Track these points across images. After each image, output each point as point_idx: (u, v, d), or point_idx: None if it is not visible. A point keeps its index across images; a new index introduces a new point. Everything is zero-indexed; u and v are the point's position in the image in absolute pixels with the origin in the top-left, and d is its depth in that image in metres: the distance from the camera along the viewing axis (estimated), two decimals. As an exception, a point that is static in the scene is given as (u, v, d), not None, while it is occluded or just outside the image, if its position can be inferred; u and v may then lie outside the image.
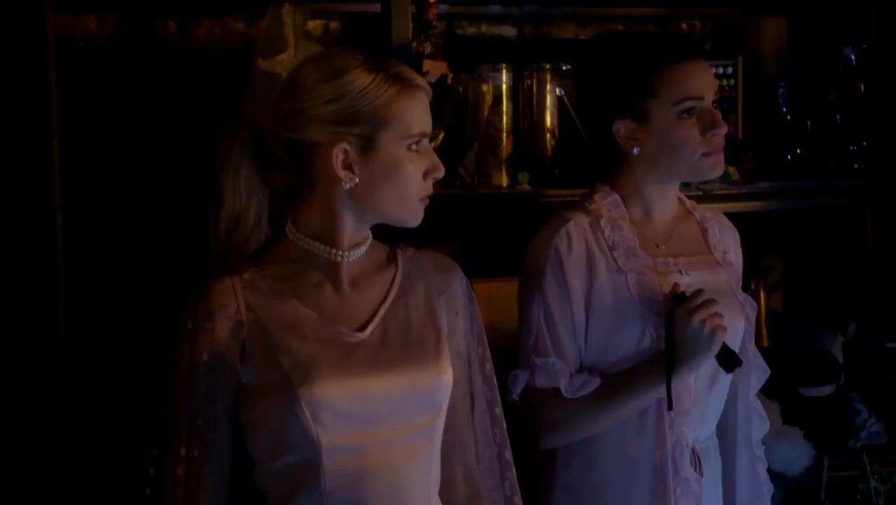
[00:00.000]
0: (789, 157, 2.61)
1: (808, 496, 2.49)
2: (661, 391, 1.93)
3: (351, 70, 1.66)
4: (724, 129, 2.00)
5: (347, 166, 1.67)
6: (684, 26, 2.91)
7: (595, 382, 1.97)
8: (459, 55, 2.59)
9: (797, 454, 2.46)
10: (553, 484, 2.05)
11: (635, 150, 2.01)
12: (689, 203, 2.15)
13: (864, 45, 2.61)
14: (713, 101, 2.01)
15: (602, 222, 2.02)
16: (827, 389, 2.58)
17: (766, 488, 2.16)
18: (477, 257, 2.67)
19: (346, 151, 1.66)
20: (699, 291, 1.93)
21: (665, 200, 2.08)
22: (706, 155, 1.99)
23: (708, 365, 2.01)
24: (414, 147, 1.68)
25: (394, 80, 1.67)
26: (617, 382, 1.96)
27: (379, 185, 1.67)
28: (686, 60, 1.98)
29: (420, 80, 1.70)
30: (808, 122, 2.63)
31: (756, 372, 2.13)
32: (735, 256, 2.15)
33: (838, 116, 2.63)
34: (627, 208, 2.04)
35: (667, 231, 2.07)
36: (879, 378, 2.65)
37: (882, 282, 2.97)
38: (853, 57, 2.61)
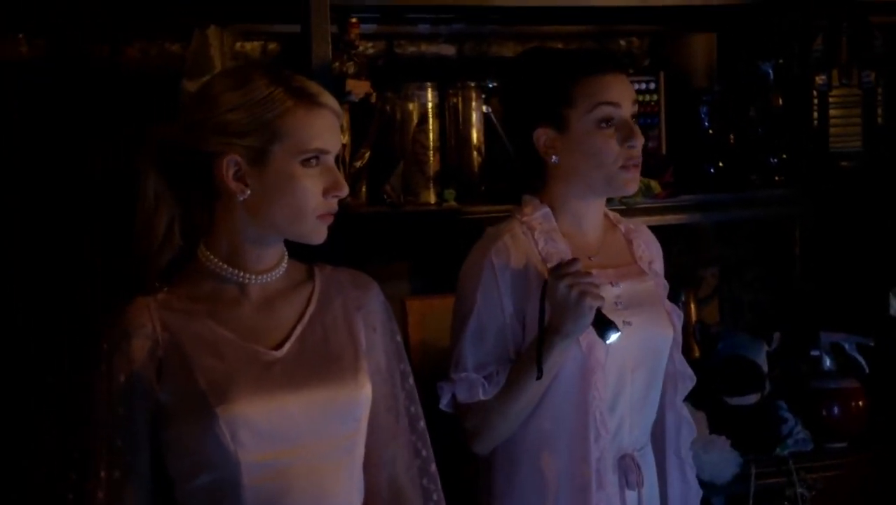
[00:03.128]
0: (712, 170, 2.64)
1: (737, 504, 2.53)
2: (554, 367, 1.95)
3: (248, 82, 1.67)
4: (640, 141, 2.03)
5: (240, 178, 1.67)
6: (622, 43, 2.94)
7: (504, 374, 2.00)
8: (398, 74, 2.62)
9: (725, 463, 2.49)
10: (484, 490, 2.08)
11: (554, 159, 2.04)
12: (612, 215, 2.19)
13: (781, 60, 2.67)
14: (633, 116, 2.05)
15: (535, 234, 2.04)
16: (752, 398, 2.61)
17: (695, 492, 2.19)
18: (411, 275, 2.69)
19: (237, 163, 1.66)
20: (573, 261, 1.95)
21: (592, 213, 2.10)
22: (623, 168, 2.02)
23: (643, 370, 2.05)
24: (313, 163, 1.68)
25: (293, 95, 1.67)
26: (514, 369, 1.99)
27: (272, 200, 1.67)
28: (604, 72, 2.02)
29: (324, 98, 1.69)
30: (731, 136, 2.67)
31: (682, 379, 2.16)
32: (658, 265, 2.19)
33: (759, 130, 2.68)
34: (557, 221, 2.07)
35: (597, 243, 2.11)
36: (805, 386, 2.69)
37: (808, 290, 3.03)
38: (770, 72, 2.66)
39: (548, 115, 2.03)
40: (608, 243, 2.13)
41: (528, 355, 1.97)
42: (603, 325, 1.92)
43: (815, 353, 2.70)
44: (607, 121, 2.01)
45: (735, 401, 2.61)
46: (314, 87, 1.70)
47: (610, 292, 2.02)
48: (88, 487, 1.64)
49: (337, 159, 2.25)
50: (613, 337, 1.93)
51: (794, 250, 3.07)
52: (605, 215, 2.16)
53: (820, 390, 2.67)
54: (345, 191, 1.70)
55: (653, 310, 2.09)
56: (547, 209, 2.07)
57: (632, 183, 2.05)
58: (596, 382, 1.99)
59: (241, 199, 1.67)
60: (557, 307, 1.92)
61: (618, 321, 1.94)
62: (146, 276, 1.71)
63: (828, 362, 2.71)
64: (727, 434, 2.52)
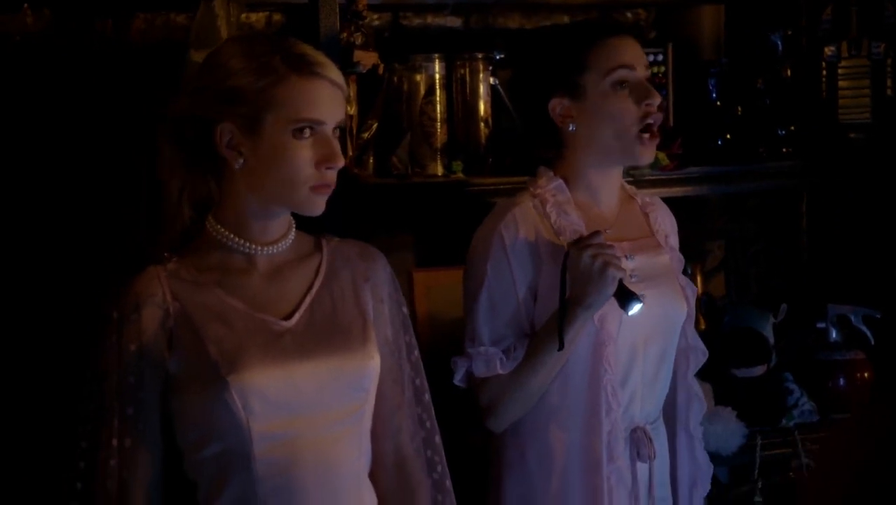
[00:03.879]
0: (720, 142, 2.64)
1: (742, 474, 2.54)
2: (575, 339, 1.94)
3: (248, 50, 1.67)
4: (658, 99, 2.01)
5: (234, 147, 1.67)
6: (629, 15, 2.93)
7: (523, 349, 1.99)
8: (405, 45, 2.62)
9: (730, 434, 2.50)
10: (494, 464, 2.08)
11: (571, 128, 2.02)
12: (629, 188, 2.17)
13: (790, 32, 2.66)
14: (647, 79, 2.03)
15: (548, 207, 2.02)
16: (759, 370, 2.61)
17: (706, 468, 2.18)
18: (417, 247, 2.70)
19: (231, 131, 1.66)
20: (596, 233, 1.94)
21: (609, 185, 2.09)
22: (640, 134, 2.00)
23: (655, 345, 2.05)
24: (306, 133, 1.66)
25: (288, 64, 1.65)
26: (532, 342, 1.99)
27: (265, 170, 1.66)
28: (615, 35, 2.03)
29: (321, 68, 1.67)
30: (738, 108, 2.67)
31: (695, 354, 2.15)
32: (674, 240, 2.18)
33: (767, 101, 2.67)
34: (572, 192, 2.05)
35: (612, 215, 2.09)
36: (810, 358, 2.70)
37: (815, 263, 3.03)
38: (779, 43, 2.65)
39: (562, 83, 2.02)
40: (624, 216, 2.11)
41: (549, 327, 1.96)
42: (625, 296, 1.92)
43: (821, 325, 2.71)
44: (622, 83, 2.00)
45: (741, 372, 2.61)
46: (313, 56, 1.68)
47: (625, 265, 2.00)
48: (100, 455, 1.65)
49: (344, 130, 2.28)
50: (636, 308, 1.92)
51: (801, 223, 3.06)
52: (622, 187, 2.15)
53: (826, 362, 2.68)
54: (339, 163, 1.68)
55: (667, 284, 2.08)
56: (560, 181, 2.05)
57: (647, 154, 2.03)
58: (608, 355, 1.98)
59: (237, 168, 1.67)
60: (580, 278, 1.91)
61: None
62: (157, 246, 1.71)
63: (834, 334, 2.72)
64: (733, 405, 2.53)
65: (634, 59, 2.02)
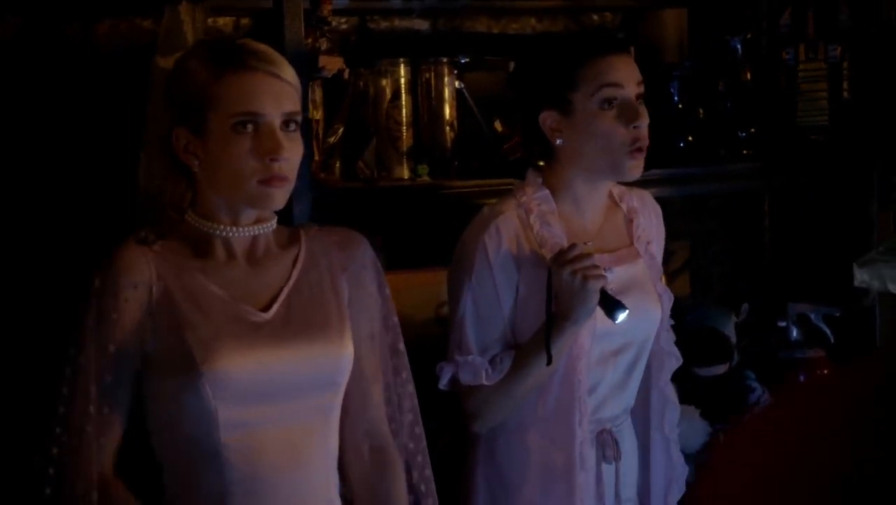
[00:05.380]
0: (682, 144, 2.67)
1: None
2: (563, 352, 1.96)
3: (190, 56, 1.72)
4: (645, 121, 2.01)
5: (189, 150, 1.70)
6: (595, 17, 2.96)
7: (508, 361, 2.00)
8: (372, 50, 2.63)
9: (694, 432, 2.53)
10: (475, 461, 2.09)
11: (558, 142, 2.03)
12: (617, 192, 2.16)
13: (749, 35, 2.70)
14: (639, 96, 2.03)
15: (531, 218, 2.03)
16: (721, 369, 2.66)
17: (681, 470, 2.20)
18: (385, 250, 2.71)
19: (185, 135, 1.69)
20: (573, 246, 1.96)
21: (594, 196, 2.09)
22: (629, 154, 2.00)
23: (628, 354, 2.07)
24: (248, 128, 1.67)
25: (220, 61, 1.67)
26: (520, 354, 2.00)
27: (215, 167, 1.69)
28: (607, 54, 2.02)
29: (254, 61, 1.67)
30: (700, 111, 2.70)
31: (669, 359, 2.17)
32: (657, 246, 2.19)
33: (728, 104, 2.71)
34: (557, 202, 2.06)
35: (595, 227, 2.10)
36: (772, 356, 2.74)
37: (777, 262, 3.08)
38: (739, 47, 2.69)
39: (553, 98, 2.03)
40: (607, 227, 2.12)
41: (536, 340, 1.98)
42: (610, 305, 1.94)
43: (782, 323, 2.75)
44: (610, 102, 2.00)
45: (704, 371, 2.65)
46: (248, 50, 1.69)
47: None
48: (76, 421, 1.65)
49: (310, 134, 2.30)
50: (622, 316, 1.94)
51: (763, 223, 3.11)
52: (610, 193, 2.15)
53: (787, 360, 2.72)
54: (282, 154, 1.67)
55: (643, 294, 2.10)
56: (546, 192, 2.06)
57: (636, 169, 2.03)
58: (581, 368, 2.00)
59: (195, 170, 1.70)
60: (563, 294, 1.93)
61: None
62: (157, 212, 1.74)
63: (794, 333, 2.76)
64: (696, 404, 2.56)
65: (623, 78, 2.01)
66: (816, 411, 0.67)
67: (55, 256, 2.48)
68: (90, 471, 1.65)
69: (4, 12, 2.49)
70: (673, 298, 2.18)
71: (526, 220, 2.04)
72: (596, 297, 1.93)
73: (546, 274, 1.96)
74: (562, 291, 1.93)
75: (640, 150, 2.02)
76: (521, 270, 2.01)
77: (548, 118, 2.04)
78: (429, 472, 1.87)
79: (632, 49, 2.68)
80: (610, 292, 1.95)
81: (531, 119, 2.06)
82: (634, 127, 2.00)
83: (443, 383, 2.04)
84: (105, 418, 1.67)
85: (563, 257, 1.94)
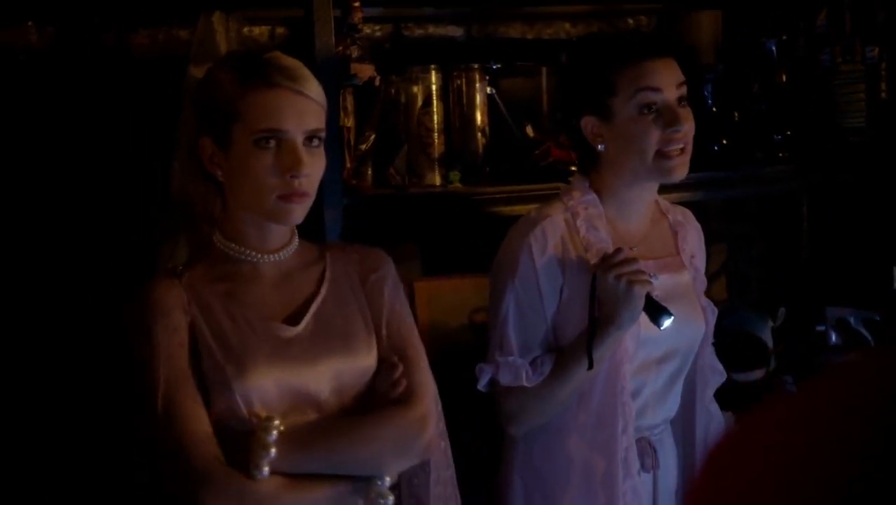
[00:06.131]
0: (716, 147, 2.65)
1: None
2: (605, 356, 1.95)
3: (225, 67, 1.73)
4: (683, 126, 1.98)
5: (214, 161, 1.72)
6: (630, 21, 2.94)
7: (549, 364, 1.99)
8: (405, 56, 2.64)
9: (731, 438, 2.51)
10: (511, 463, 2.09)
11: (600, 147, 2.02)
12: (663, 204, 2.16)
13: (784, 37, 2.67)
14: (681, 99, 2.00)
15: (578, 221, 2.02)
16: (758, 374, 2.63)
17: None
18: (417, 257, 2.72)
19: (210, 146, 1.72)
20: (619, 250, 1.94)
21: (640, 202, 2.07)
22: (663, 156, 1.98)
23: (670, 364, 2.05)
24: (271, 143, 1.69)
25: (250, 76, 1.69)
26: (562, 358, 1.99)
27: (236, 180, 1.72)
28: (645, 58, 1.99)
29: (278, 78, 1.69)
30: (735, 113, 2.68)
31: (713, 375, 2.16)
32: (700, 260, 2.17)
33: (763, 107, 2.68)
34: (605, 206, 2.04)
35: (641, 233, 2.08)
36: (810, 360, 2.71)
37: (815, 265, 3.04)
38: (774, 49, 2.66)
39: (593, 104, 2.01)
40: (653, 234, 2.10)
41: (578, 345, 1.96)
42: (656, 310, 1.93)
43: (820, 327, 2.72)
44: (649, 106, 1.97)
45: (741, 376, 2.62)
46: (274, 65, 1.71)
47: None
48: (183, 408, 1.66)
49: (342, 142, 2.30)
50: (667, 322, 1.93)
51: (801, 226, 3.08)
52: (656, 203, 2.13)
53: (825, 365, 2.69)
54: (303, 170, 1.69)
55: (688, 305, 2.08)
56: (593, 196, 2.04)
57: (678, 169, 1.99)
58: (624, 373, 1.99)
59: (220, 180, 1.73)
60: (609, 299, 1.92)
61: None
62: (196, 223, 1.77)
63: (833, 337, 2.73)
64: (732, 410, 2.54)
65: (662, 82, 1.98)
66: (830, 408, 0.66)
67: (89, 265, 2.51)
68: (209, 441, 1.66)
69: (41, 22, 2.53)
70: (717, 313, 2.15)
71: (572, 224, 2.02)
72: (641, 301, 1.91)
73: (591, 278, 1.95)
74: (607, 295, 1.92)
75: (682, 151, 1.99)
76: (566, 273, 2.00)
77: (588, 123, 2.02)
78: (451, 472, 1.87)
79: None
80: (656, 298, 1.93)
81: (574, 124, 2.05)
82: (673, 131, 1.97)
83: (482, 384, 2.03)
84: (202, 415, 1.68)
85: (608, 261, 1.92)
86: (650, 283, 1.92)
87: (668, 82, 1.99)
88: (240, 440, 1.66)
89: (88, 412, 2.39)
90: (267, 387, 1.68)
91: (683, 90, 2.01)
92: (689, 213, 2.21)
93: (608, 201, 2.05)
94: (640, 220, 2.09)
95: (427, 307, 2.64)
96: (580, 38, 2.22)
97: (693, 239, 2.16)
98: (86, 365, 2.38)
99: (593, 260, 1.98)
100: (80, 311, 2.45)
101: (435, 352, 2.43)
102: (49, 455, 2.44)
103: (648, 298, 1.92)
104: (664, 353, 2.05)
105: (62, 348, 2.44)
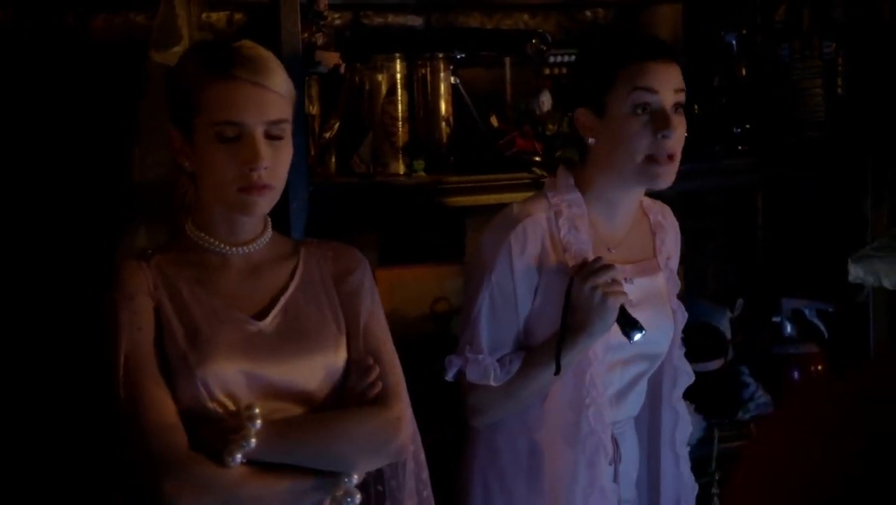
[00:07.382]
0: (676, 140, 2.66)
1: (700, 466, 2.58)
2: (572, 362, 1.96)
3: (190, 57, 1.73)
4: (675, 132, 1.97)
5: (182, 152, 1.72)
6: (588, 13, 2.95)
7: (517, 363, 2.00)
8: (366, 45, 2.62)
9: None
10: (472, 453, 2.11)
11: (591, 141, 2.02)
12: (646, 203, 2.15)
13: (744, 31, 2.69)
14: (676, 105, 1.99)
15: (560, 221, 2.01)
16: (716, 364, 2.66)
17: (691, 487, 2.20)
18: (379, 245, 2.71)
19: (178, 137, 1.71)
20: (597, 259, 1.95)
21: (625, 203, 2.07)
22: (651, 161, 1.97)
23: (636, 366, 2.07)
24: (229, 135, 1.67)
25: (207, 68, 1.68)
26: (530, 358, 2.00)
27: (200, 172, 1.72)
28: (647, 59, 1.98)
29: (239, 70, 1.67)
30: (695, 106, 2.70)
31: (681, 376, 2.18)
32: (675, 262, 2.19)
33: (723, 100, 2.70)
34: (589, 204, 2.04)
35: (621, 235, 2.09)
36: (766, 351, 2.75)
37: (771, 258, 3.08)
38: (734, 42, 2.69)
39: (589, 97, 2.01)
40: (633, 236, 2.11)
41: (548, 348, 1.97)
42: (627, 324, 1.94)
43: (776, 319, 2.76)
44: (643, 107, 1.96)
45: (698, 367, 2.64)
46: (237, 57, 1.68)
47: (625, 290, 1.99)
48: (145, 394, 1.65)
49: (306, 130, 2.29)
50: (638, 336, 1.94)
51: (757, 219, 3.11)
52: (640, 203, 2.13)
53: (781, 356, 2.73)
54: (261, 163, 1.67)
55: (659, 308, 2.10)
56: (578, 194, 2.04)
57: (665, 176, 1.98)
58: (591, 376, 2.00)
59: (188, 171, 1.73)
60: (583, 307, 1.93)
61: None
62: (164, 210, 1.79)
63: (788, 328, 2.77)
64: (691, 399, 2.56)
65: (659, 84, 1.97)
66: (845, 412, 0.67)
67: (48, 248, 2.48)
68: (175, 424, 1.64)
69: (1, 3, 2.49)
70: (687, 316, 2.17)
71: (554, 223, 2.02)
72: (614, 314, 1.93)
73: (567, 281, 1.95)
74: (581, 303, 1.93)
75: (670, 159, 1.98)
76: (543, 275, 2.00)
77: (582, 116, 2.03)
78: (425, 474, 1.88)
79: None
80: (629, 311, 1.94)
81: (569, 114, 2.06)
82: (663, 136, 1.96)
83: (449, 376, 2.04)
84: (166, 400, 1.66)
85: (586, 270, 1.93)
86: (625, 295, 1.93)
87: (665, 86, 1.98)
88: (205, 427, 1.65)
89: (86, 410, 2.36)
90: (230, 377, 1.67)
91: (681, 97, 2.01)
92: (668, 210, 2.21)
93: (592, 201, 2.05)
94: (623, 222, 2.09)
95: (388, 296, 2.63)
96: (597, 32, 2.23)
97: (670, 240, 2.17)
98: (80, 359, 2.35)
99: (572, 262, 1.99)
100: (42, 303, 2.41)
101: (396, 341, 2.44)
102: (49, 455, 2.41)
103: (622, 309, 1.93)
104: (631, 355, 2.07)
105: (52, 341, 2.41)
